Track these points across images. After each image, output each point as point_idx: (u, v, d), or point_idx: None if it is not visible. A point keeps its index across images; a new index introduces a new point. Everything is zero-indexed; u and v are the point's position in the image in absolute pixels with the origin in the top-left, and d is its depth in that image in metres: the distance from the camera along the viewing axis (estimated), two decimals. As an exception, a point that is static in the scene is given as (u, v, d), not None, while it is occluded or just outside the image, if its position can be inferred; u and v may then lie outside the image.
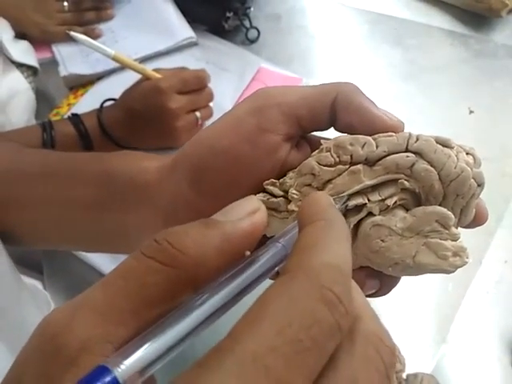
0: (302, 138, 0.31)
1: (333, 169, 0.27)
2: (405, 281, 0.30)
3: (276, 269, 0.19)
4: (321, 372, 0.15)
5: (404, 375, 0.51)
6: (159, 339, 0.16)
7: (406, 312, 0.58)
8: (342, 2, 0.92)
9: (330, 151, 0.27)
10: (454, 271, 0.26)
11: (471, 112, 0.75)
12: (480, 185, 0.27)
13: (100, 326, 0.16)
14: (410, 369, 0.52)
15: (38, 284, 0.59)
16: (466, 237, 0.28)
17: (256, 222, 0.20)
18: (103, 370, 0.15)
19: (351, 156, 0.27)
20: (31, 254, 0.62)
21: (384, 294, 0.30)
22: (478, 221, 0.28)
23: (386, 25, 0.88)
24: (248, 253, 0.19)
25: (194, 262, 0.18)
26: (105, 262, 0.61)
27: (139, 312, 0.17)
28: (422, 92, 0.79)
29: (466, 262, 0.26)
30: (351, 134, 0.28)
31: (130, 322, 0.17)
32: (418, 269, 0.26)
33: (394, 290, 0.30)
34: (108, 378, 0.15)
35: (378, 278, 0.28)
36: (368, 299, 0.19)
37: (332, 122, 0.29)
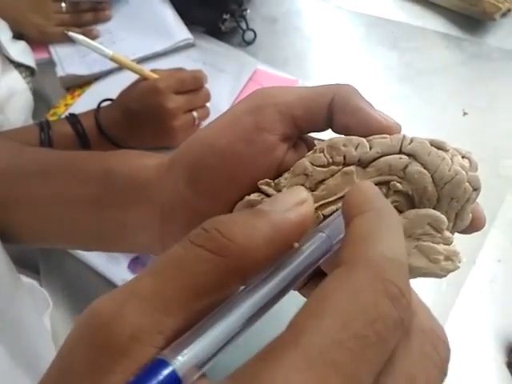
0: (300, 139, 0.31)
1: (326, 169, 0.27)
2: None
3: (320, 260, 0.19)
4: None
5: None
6: (216, 331, 0.16)
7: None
8: (338, 5, 0.93)
9: (323, 152, 0.27)
10: (445, 275, 0.26)
11: (465, 114, 0.76)
12: (476, 189, 0.26)
13: (150, 316, 0.16)
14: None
15: (35, 283, 0.59)
16: (460, 236, 0.27)
17: (304, 214, 0.19)
18: (161, 364, 0.14)
19: (344, 157, 0.27)
20: (28, 254, 0.62)
21: None
22: (474, 226, 0.28)
23: (381, 28, 0.89)
24: (296, 244, 0.19)
25: (243, 252, 0.17)
26: (101, 262, 0.62)
27: (188, 302, 0.17)
28: (417, 94, 0.79)
29: (458, 267, 0.26)
30: (348, 135, 0.28)
31: (179, 312, 0.16)
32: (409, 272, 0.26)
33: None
34: (166, 372, 0.14)
35: None
36: None
37: (329, 122, 0.29)
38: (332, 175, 0.27)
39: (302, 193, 0.20)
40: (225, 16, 0.83)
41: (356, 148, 0.26)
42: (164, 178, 0.32)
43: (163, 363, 0.14)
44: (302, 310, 0.15)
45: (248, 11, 0.86)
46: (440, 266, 0.25)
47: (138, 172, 0.33)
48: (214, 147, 0.29)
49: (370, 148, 0.26)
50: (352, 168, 0.26)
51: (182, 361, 0.15)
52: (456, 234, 0.27)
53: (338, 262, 0.16)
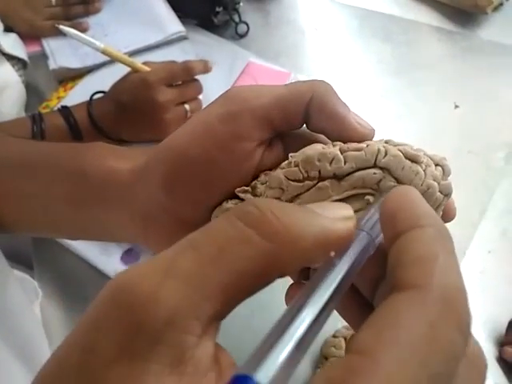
0: (275, 136, 0.31)
1: (301, 184, 0.27)
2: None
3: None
4: None
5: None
6: (290, 341, 0.14)
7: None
8: (331, -2, 0.93)
9: (298, 166, 0.27)
10: None
11: (457, 107, 0.76)
12: (447, 195, 0.27)
13: (188, 299, 0.15)
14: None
15: (25, 275, 0.59)
16: (450, 228, 0.28)
17: (350, 229, 0.19)
18: (242, 380, 0.13)
19: (319, 171, 0.27)
20: (21, 248, 0.62)
21: None
22: (444, 219, 0.28)
23: (374, 21, 0.89)
24: (333, 253, 0.18)
25: (293, 244, 0.17)
26: (94, 254, 0.62)
27: (228, 287, 0.16)
28: (409, 87, 0.80)
29: None
30: (323, 134, 0.29)
31: (217, 296, 0.15)
32: None
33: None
34: None
35: None
36: None
37: (305, 122, 0.29)
38: (307, 190, 0.27)
39: (350, 210, 0.19)
40: (217, 9, 0.83)
41: (331, 163, 0.27)
42: (139, 183, 0.31)
43: (246, 380, 0.13)
44: (372, 331, 0.15)
45: (241, 4, 0.86)
46: None
47: (110, 175, 0.32)
48: (188, 156, 0.29)
49: (345, 162, 0.26)
50: (326, 183, 0.27)
51: (269, 375, 0.13)
52: (447, 225, 0.28)
53: (399, 281, 0.16)
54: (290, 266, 0.17)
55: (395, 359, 0.14)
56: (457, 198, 0.28)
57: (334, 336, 0.55)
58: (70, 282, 0.62)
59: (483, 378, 0.17)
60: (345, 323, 0.50)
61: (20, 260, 0.61)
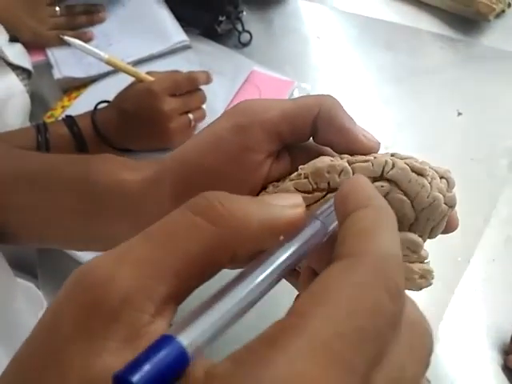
0: (282, 149, 0.31)
1: (310, 195, 0.28)
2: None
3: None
4: None
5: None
6: (219, 310, 0.15)
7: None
8: (333, 6, 0.93)
9: (307, 178, 0.28)
10: (418, 291, 0.27)
11: (459, 114, 0.77)
12: (451, 206, 0.27)
13: (141, 280, 0.16)
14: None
15: (30, 285, 0.59)
16: (455, 237, 0.28)
17: (298, 215, 0.20)
18: (167, 340, 0.14)
19: (328, 183, 0.28)
20: (26, 257, 0.63)
21: None
22: (447, 230, 0.29)
23: (376, 28, 0.89)
24: (282, 237, 0.19)
25: (238, 226, 0.18)
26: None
27: (180, 270, 0.17)
28: (411, 94, 0.80)
29: (431, 284, 0.28)
30: (330, 147, 0.30)
31: (170, 279, 0.16)
32: None
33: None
34: (174, 349, 0.14)
35: None
36: None
37: (312, 135, 0.30)
38: (316, 201, 0.28)
39: (299, 199, 0.21)
40: (221, 18, 0.84)
41: (339, 175, 0.27)
42: (148, 195, 0.31)
43: (170, 340, 0.14)
44: (306, 296, 0.15)
45: (244, 13, 0.86)
46: (415, 284, 0.27)
47: (118, 187, 0.32)
48: (199, 167, 0.29)
49: (353, 174, 0.27)
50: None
51: (190, 338, 0.14)
52: (449, 234, 0.29)
53: (338, 253, 0.17)
54: (238, 249, 0.18)
55: (322, 316, 0.14)
56: (460, 206, 0.29)
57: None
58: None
59: (427, 343, 0.17)
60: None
61: (24, 269, 0.61)
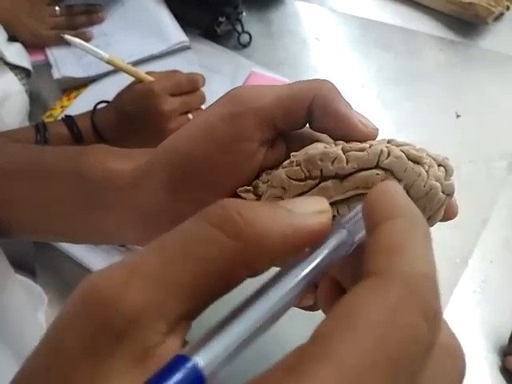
0: (277, 136, 0.30)
1: (303, 183, 0.27)
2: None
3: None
4: None
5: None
6: (238, 329, 0.14)
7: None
8: (332, 8, 0.94)
9: (300, 165, 0.27)
10: None
11: (458, 116, 0.77)
12: (449, 194, 0.27)
13: (153, 298, 0.15)
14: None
15: (30, 281, 0.59)
16: (453, 238, 0.28)
17: (323, 223, 0.18)
18: (182, 361, 0.13)
19: (321, 171, 0.27)
20: (24, 255, 0.63)
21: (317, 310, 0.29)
22: (446, 217, 0.28)
23: (376, 31, 0.89)
24: (307, 250, 0.18)
25: (259, 242, 0.16)
26: (97, 262, 0.62)
27: (195, 286, 0.15)
28: (410, 96, 0.80)
29: None
30: (326, 134, 0.29)
31: (184, 296, 0.15)
32: None
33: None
34: (189, 370, 0.13)
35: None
36: None
37: (308, 121, 0.29)
38: (309, 189, 0.27)
39: (324, 203, 0.19)
40: (220, 19, 0.84)
41: (332, 163, 0.26)
42: (140, 184, 0.31)
43: (185, 360, 0.13)
44: (331, 319, 0.14)
45: (243, 14, 0.87)
46: None
47: (111, 177, 0.32)
48: (191, 157, 0.28)
49: (347, 162, 0.26)
50: (329, 183, 0.27)
51: (208, 358, 0.13)
52: (448, 235, 0.28)
53: (367, 269, 0.16)
54: (258, 265, 0.17)
55: (349, 342, 0.13)
56: (458, 208, 0.28)
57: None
58: (73, 290, 0.62)
59: (460, 371, 0.16)
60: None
61: (22, 267, 0.61)
